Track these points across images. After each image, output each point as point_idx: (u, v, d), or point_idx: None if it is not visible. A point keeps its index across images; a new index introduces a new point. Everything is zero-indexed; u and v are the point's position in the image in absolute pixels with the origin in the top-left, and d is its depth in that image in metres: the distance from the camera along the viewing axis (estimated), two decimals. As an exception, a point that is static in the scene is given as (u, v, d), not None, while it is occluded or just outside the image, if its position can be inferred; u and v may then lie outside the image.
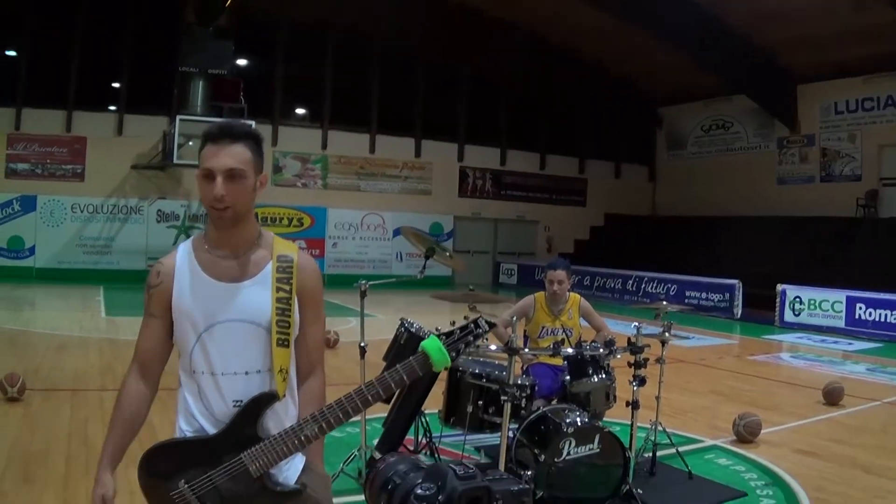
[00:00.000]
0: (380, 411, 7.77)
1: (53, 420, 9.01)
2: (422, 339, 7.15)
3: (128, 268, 26.26)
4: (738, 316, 22.01)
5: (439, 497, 1.43)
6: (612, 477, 6.86)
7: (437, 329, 3.29)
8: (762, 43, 26.77)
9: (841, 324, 19.32)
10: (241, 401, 3.15)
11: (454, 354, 3.23)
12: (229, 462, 3.09)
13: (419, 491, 1.45)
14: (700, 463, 7.97)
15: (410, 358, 3.19)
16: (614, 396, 7.43)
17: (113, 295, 21.95)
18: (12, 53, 26.47)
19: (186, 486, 3.09)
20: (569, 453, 6.61)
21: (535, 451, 6.71)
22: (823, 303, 19.82)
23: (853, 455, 8.36)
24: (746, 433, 8.76)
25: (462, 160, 32.35)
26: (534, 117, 32.93)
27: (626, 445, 6.97)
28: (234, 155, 3.10)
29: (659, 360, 7.92)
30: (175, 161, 24.64)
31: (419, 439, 7.91)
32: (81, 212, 26.29)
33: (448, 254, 8.11)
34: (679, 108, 33.61)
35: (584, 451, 6.65)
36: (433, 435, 7.71)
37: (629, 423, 7.39)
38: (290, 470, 3.26)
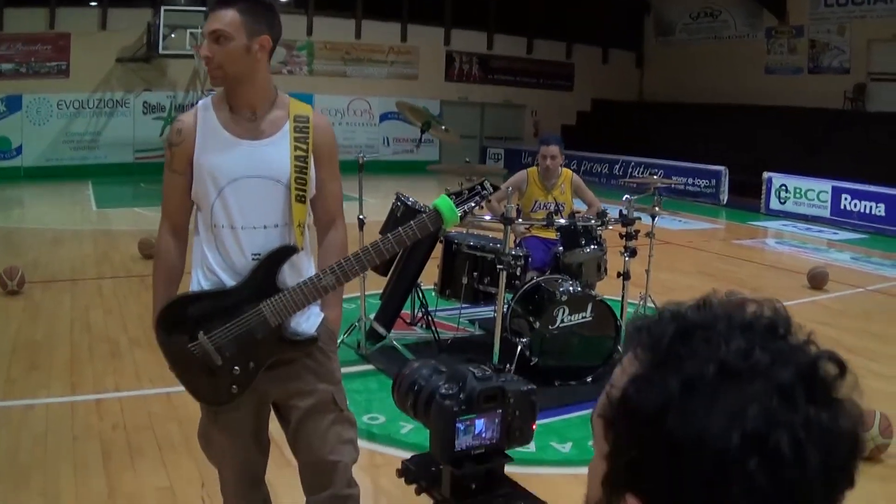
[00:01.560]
0: (377, 286, 7.91)
1: (55, 310, 9.14)
2: (418, 212, 7.30)
3: (116, 161, 26.00)
4: (725, 202, 21.98)
5: (461, 395, 1.55)
6: (603, 346, 7.03)
7: (446, 190, 3.38)
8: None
9: (826, 213, 19.28)
10: (260, 254, 3.29)
11: (462, 213, 3.36)
12: (249, 312, 3.24)
13: (443, 391, 1.56)
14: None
15: (423, 214, 3.33)
16: (605, 268, 7.56)
17: (102, 189, 21.88)
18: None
19: (205, 336, 3.24)
20: (562, 321, 6.77)
21: (530, 319, 6.86)
22: (809, 192, 19.75)
23: (837, 337, 8.47)
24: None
25: (448, 44, 31.79)
26: (521, 1, 32.55)
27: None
28: (221, 18, 3.19)
29: (649, 235, 8.05)
30: (160, 52, 24.27)
31: (415, 313, 8.07)
32: (67, 108, 25.93)
33: (444, 127, 8.17)
34: (667, -7, 33.32)
35: (577, 318, 6.81)
36: (429, 309, 7.86)
37: (619, 298, 7.54)
38: (306, 320, 3.42)
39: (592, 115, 33.49)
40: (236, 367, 3.27)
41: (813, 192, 19.64)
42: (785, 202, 20.24)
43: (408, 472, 1.70)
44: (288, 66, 28.48)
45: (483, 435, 1.59)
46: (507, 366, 6.45)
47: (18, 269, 9.85)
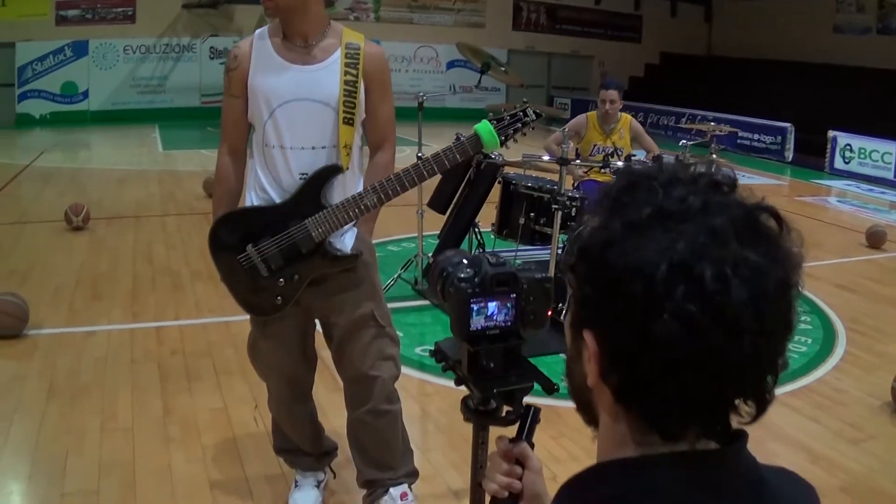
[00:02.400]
0: (435, 227, 7.96)
1: (118, 244, 9.31)
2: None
3: (182, 105, 26.21)
4: (790, 160, 21.63)
5: (475, 279, 1.62)
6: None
7: (489, 115, 3.42)
8: None
9: (889, 175, 18.84)
10: (307, 173, 3.43)
11: (503, 138, 3.44)
12: (294, 227, 3.39)
13: (461, 275, 1.64)
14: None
15: (463, 138, 3.37)
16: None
17: (168, 132, 22.09)
18: None
19: (254, 248, 3.40)
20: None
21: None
22: (874, 153, 19.34)
23: (890, 295, 8.43)
24: (789, 263, 8.79)
25: (516, -7, 31.69)
26: (590, -50, 32.17)
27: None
28: None
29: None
30: (226, -2, 24.40)
31: (473, 251, 8.11)
32: (134, 53, 26.13)
33: (503, 69, 8.16)
34: (737, -54, 32.71)
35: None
36: (486, 249, 7.89)
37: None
38: (347, 237, 3.55)
39: (660, 68, 33.11)
40: (281, 279, 3.43)
41: (878, 152, 19.23)
42: (849, 162, 19.85)
43: (438, 352, 1.77)
44: (354, 12, 28.43)
45: (495, 317, 1.66)
46: (560, 305, 6.46)
47: (83, 205, 10.02)
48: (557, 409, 4.87)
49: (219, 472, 4.40)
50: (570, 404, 1.26)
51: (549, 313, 1.74)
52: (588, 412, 1.21)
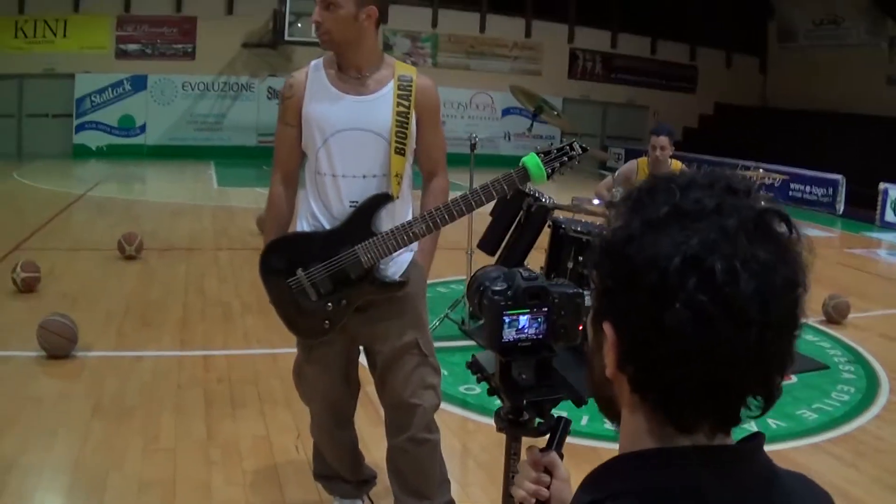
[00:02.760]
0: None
1: (170, 274, 9.45)
2: (528, 195, 7.38)
3: (239, 144, 26.55)
4: (841, 212, 21.49)
5: (508, 292, 1.68)
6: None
7: (536, 148, 3.50)
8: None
9: None
10: (357, 201, 3.51)
11: (550, 171, 3.50)
12: (344, 253, 3.47)
13: (495, 287, 1.70)
14: (787, 337, 8.02)
15: (511, 171, 3.46)
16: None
17: (224, 169, 22.39)
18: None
19: (303, 273, 3.48)
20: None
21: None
22: (925, 205, 19.36)
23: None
24: (835, 314, 8.79)
25: (572, 42, 31.68)
26: (646, 1, 32.26)
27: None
28: None
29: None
30: (286, 38, 24.70)
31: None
32: (192, 90, 26.54)
33: (556, 112, 8.19)
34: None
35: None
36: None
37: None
38: (397, 264, 3.63)
39: (714, 118, 33.04)
40: (329, 304, 3.50)
41: (928, 206, 19.17)
42: (900, 214, 19.80)
43: (474, 363, 1.82)
44: (412, 57, 28.65)
45: (527, 329, 1.73)
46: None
47: (137, 235, 10.19)
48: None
49: (258, 496, 4.44)
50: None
51: (580, 328, 1.77)
52: (610, 408, 1.26)
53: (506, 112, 29.41)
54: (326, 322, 3.54)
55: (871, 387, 6.91)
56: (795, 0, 31.89)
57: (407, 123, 3.53)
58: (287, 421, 5.39)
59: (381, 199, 3.52)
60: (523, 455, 1.71)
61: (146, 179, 20.60)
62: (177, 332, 7.26)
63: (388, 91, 3.54)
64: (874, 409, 6.37)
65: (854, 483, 5.03)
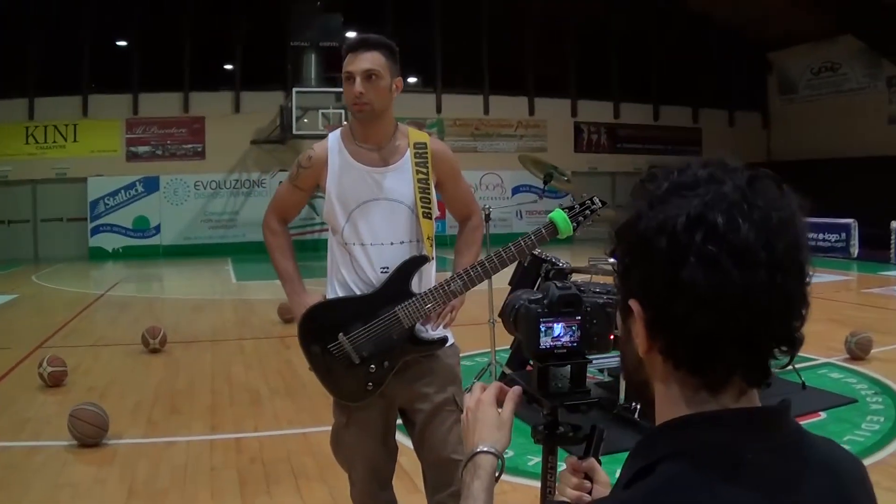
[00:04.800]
0: (506, 340, 8.04)
1: (195, 364, 9.54)
2: (545, 261, 7.45)
3: (254, 239, 26.56)
4: (856, 255, 21.56)
5: (544, 300, 1.77)
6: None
7: (560, 205, 3.69)
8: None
9: None
10: (388, 267, 3.65)
11: (575, 224, 3.66)
12: (384, 315, 3.57)
13: (532, 297, 1.80)
14: (813, 377, 8.11)
15: (540, 227, 3.64)
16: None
17: (241, 265, 22.65)
18: (124, 43, 27.22)
19: (345, 337, 3.57)
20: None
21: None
22: (938, 240, 19.47)
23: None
24: (858, 350, 8.90)
25: (576, 115, 32.13)
26: (645, 69, 32.50)
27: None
28: (371, 59, 3.60)
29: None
30: (294, 133, 25.07)
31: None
32: (204, 188, 26.93)
33: (566, 178, 8.29)
34: (787, 52, 32.74)
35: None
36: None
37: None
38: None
39: (723, 178, 33.08)
40: (372, 366, 3.59)
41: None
42: (914, 251, 19.93)
43: (503, 375, 1.89)
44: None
45: (562, 337, 1.82)
46: (634, 404, 6.52)
47: (160, 328, 10.28)
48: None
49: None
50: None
51: (612, 337, 1.83)
52: (643, 392, 1.34)
53: (516, 190, 29.64)
54: (370, 384, 3.62)
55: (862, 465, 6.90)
56: (792, 51, 32.17)
57: (429, 189, 3.70)
58: (323, 495, 5.39)
59: (419, 262, 3.67)
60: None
61: (164, 278, 20.83)
62: (207, 417, 7.31)
63: (407, 160, 3.70)
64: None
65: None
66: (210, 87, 27.44)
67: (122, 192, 26.11)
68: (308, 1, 26.56)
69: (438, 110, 29.90)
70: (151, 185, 26.41)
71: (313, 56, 26.68)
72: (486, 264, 3.58)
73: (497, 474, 1.72)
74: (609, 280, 7.11)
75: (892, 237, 20.49)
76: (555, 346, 1.81)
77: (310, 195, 3.89)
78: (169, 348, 10.22)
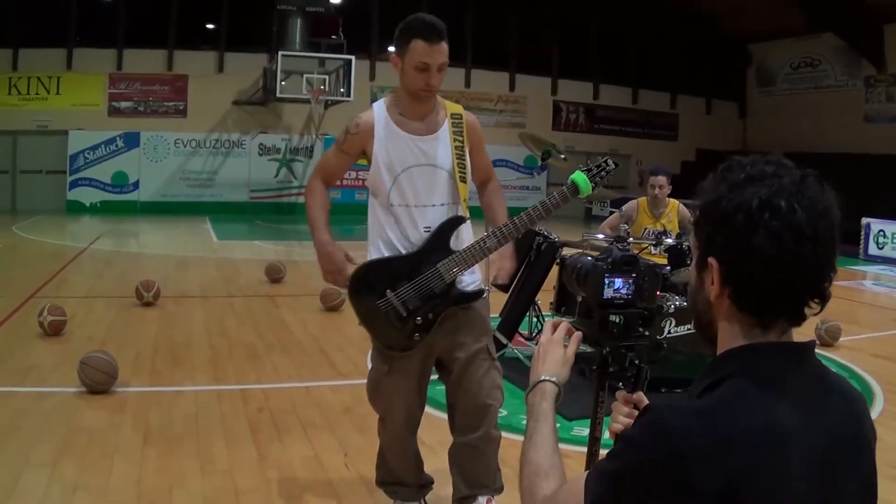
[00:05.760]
0: (498, 303, 8.30)
1: (190, 319, 9.82)
2: (537, 234, 7.73)
3: (231, 199, 27.02)
4: (825, 248, 21.96)
5: (608, 259, 2.15)
6: (706, 361, 7.30)
7: (580, 166, 4.04)
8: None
9: None
10: (430, 227, 4.04)
11: (594, 184, 4.01)
12: (427, 271, 3.97)
13: (599, 256, 2.20)
14: (784, 361, 8.39)
15: (563, 186, 4.02)
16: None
17: (220, 224, 22.82)
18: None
19: (392, 293, 3.96)
20: (669, 332, 7.13)
21: (640, 329, 7.19)
22: (907, 238, 19.92)
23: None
24: (828, 336, 9.26)
25: (555, 94, 32.48)
26: (625, 52, 32.74)
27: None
28: (444, 52, 3.96)
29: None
30: (277, 96, 25.24)
31: (532, 330, 8.47)
32: (184, 147, 27.00)
33: (563, 157, 8.59)
34: (768, 45, 33.01)
35: (682, 330, 7.17)
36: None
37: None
38: (473, 277, 4.18)
39: (697, 164, 33.41)
40: (419, 318, 4.00)
41: (911, 237, 19.72)
42: (883, 247, 20.41)
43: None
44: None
45: (621, 290, 2.23)
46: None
47: (154, 282, 10.52)
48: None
49: (318, 506, 4.77)
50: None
51: (658, 293, 2.23)
52: (707, 331, 1.78)
53: (493, 164, 29.64)
54: (416, 335, 4.01)
55: (867, 399, 7.25)
56: (772, 44, 32.48)
57: (464, 155, 4.13)
58: (333, 443, 5.72)
59: (456, 222, 4.09)
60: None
61: (144, 233, 20.95)
62: (209, 369, 7.57)
63: (445, 130, 4.10)
64: (872, 415, 6.71)
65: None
66: (194, 46, 27.47)
67: (103, 146, 26.14)
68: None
69: (420, 80, 29.92)
70: (132, 140, 26.43)
71: (299, 20, 26.67)
72: (517, 222, 3.94)
73: (558, 402, 2.05)
74: (596, 253, 7.41)
75: (863, 233, 20.93)
76: (615, 297, 2.21)
77: (354, 161, 4.21)
78: (162, 302, 10.45)
